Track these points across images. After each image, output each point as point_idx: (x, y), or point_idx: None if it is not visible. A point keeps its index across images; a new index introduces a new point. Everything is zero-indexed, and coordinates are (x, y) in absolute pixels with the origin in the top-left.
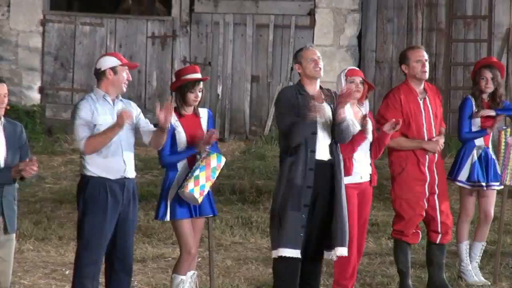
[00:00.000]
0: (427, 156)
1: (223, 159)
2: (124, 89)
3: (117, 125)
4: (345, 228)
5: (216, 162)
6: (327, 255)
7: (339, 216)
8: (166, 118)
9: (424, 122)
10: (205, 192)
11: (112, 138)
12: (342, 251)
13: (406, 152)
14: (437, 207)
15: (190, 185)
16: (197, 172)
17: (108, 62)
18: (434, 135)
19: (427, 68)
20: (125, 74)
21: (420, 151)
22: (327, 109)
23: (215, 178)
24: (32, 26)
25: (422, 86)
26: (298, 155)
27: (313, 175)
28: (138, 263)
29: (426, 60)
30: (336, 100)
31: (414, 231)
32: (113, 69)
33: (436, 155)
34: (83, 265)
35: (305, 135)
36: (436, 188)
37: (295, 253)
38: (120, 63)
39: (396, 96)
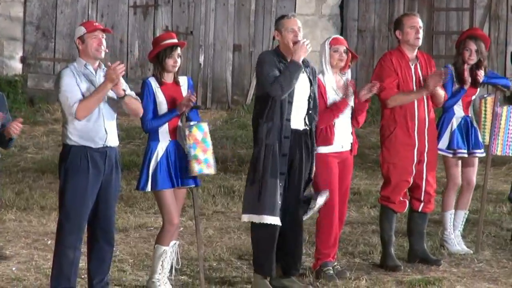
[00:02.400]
0: (416, 122)
1: (204, 125)
2: (98, 56)
3: (108, 80)
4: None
5: (200, 133)
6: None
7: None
8: (116, 86)
9: (414, 87)
10: (212, 161)
11: (104, 96)
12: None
13: (395, 115)
14: (424, 176)
15: (195, 166)
16: (192, 152)
17: (77, 32)
18: (425, 100)
19: (420, 35)
20: (94, 41)
21: (411, 114)
22: (303, 80)
23: (210, 145)
24: None
25: (415, 53)
26: (274, 123)
27: (289, 143)
28: (120, 233)
29: (420, 27)
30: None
31: (401, 199)
32: (81, 38)
33: (428, 121)
34: (65, 234)
35: (281, 103)
36: (425, 155)
37: (275, 220)
38: (85, 31)
39: (388, 57)
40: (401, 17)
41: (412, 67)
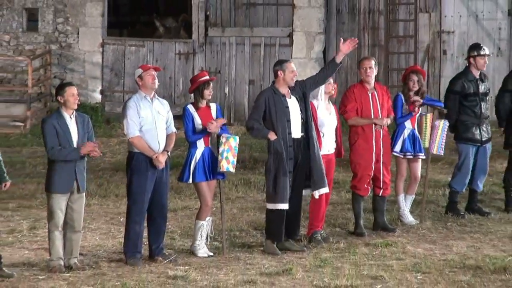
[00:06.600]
0: (373, 133)
1: (237, 138)
2: (154, 87)
3: (152, 156)
4: (323, 173)
5: (234, 142)
6: (309, 194)
7: (317, 165)
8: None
9: (371, 108)
10: (235, 164)
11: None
12: (324, 190)
13: (358, 129)
14: (381, 171)
15: (225, 165)
16: (225, 154)
17: (136, 73)
18: (380, 116)
19: (369, 73)
20: (150, 77)
21: (368, 129)
22: (293, 102)
23: (237, 151)
24: (94, 47)
25: (372, 85)
26: (280, 137)
27: (293, 150)
28: (171, 212)
29: (370, 68)
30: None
31: (365, 186)
32: (140, 76)
33: (382, 132)
34: (132, 214)
35: (282, 122)
36: (381, 157)
37: (286, 206)
38: (142, 70)
39: (351, 89)
40: (359, 60)
41: (370, 94)
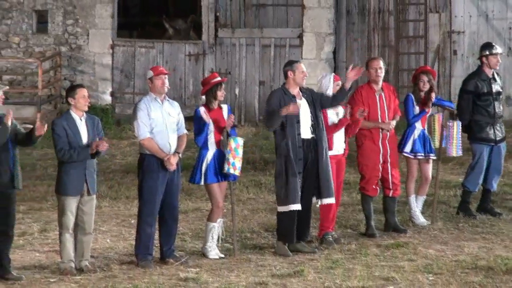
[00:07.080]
0: (380, 134)
1: (239, 140)
2: (163, 92)
3: (163, 158)
4: (330, 182)
5: (234, 144)
6: (315, 202)
7: (324, 174)
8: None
9: (378, 110)
10: (238, 165)
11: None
12: (328, 200)
13: (364, 131)
14: (389, 172)
15: (225, 166)
16: (226, 156)
17: (148, 75)
18: (387, 119)
19: (379, 74)
20: (160, 81)
21: (375, 130)
22: (303, 104)
23: (241, 155)
24: (104, 49)
25: (380, 85)
26: (290, 138)
27: (302, 151)
28: (182, 214)
29: (380, 68)
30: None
31: (374, 187)
32: (150, 79)
33: (389, 133)
34: (144, 216)
35: (292, 123)
36: (388, 157)
37: (298, 207)
38: (153, 74)
39: (359, 91)
40: (367, 60)
41: (377, 96)
